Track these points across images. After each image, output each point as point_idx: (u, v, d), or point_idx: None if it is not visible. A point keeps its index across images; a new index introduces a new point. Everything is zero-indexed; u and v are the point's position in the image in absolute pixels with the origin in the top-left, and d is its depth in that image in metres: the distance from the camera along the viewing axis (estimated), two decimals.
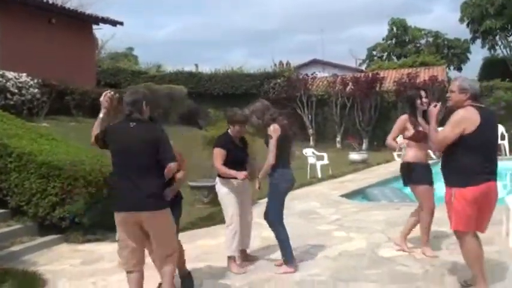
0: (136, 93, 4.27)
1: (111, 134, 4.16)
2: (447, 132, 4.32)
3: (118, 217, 4.15)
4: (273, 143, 5.17)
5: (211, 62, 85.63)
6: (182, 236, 5.04)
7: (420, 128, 5.51)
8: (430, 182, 5.64)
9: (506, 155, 15.96)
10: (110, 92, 4.43)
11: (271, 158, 5.18)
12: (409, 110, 5.73)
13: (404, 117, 5.73)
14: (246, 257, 5.80)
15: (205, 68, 29.44)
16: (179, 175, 4.59)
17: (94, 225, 6.97)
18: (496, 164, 4.42)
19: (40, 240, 6.80)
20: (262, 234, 6.53)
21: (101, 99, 4.40)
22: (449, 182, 4.41)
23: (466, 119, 4.26)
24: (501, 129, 15.42)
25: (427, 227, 5.73)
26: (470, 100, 4.36)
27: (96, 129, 4.27)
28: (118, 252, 4.32)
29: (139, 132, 4.08)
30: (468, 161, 4.27)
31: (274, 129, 5.21)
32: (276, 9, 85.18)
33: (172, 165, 4.07)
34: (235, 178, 5.34)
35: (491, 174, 4.34)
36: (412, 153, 5.65)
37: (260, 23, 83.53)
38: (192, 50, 71.85)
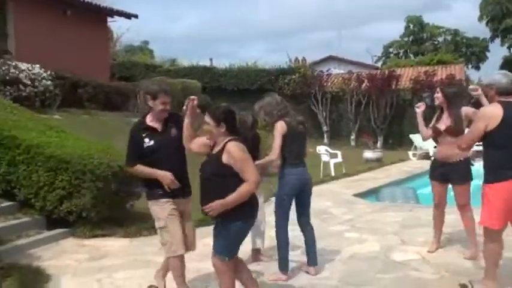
0: None
1: None
2: (471, 129, 4.35)
3: None
4: (275, 140, 4.97)
5: (227, 57, 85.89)
6: None
7: (436, 124, 5.66)
8: (437, 178, 5.68)
9: None
10: (192, 100, 4.14)
11: (272, 155, 4.98)
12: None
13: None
14: (258, 257, 5.68)
15: (220, 63, 29.30)
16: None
17: (102, 220, 6.87)
18: None
19: (47, 234, 6.70)
20: (270, 233, 6.38)
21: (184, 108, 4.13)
22: (483, 178, 4.33)
23: (487, 115, 4.19)
24: None
25: (435, 223, 5.85)
26: (497, 95, 4.25)
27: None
28: None
29: None
30: (494, 157, 4.20)
31: (278, 127, 4.98)
32: (294, 6, 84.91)
33: None
34: None
35: None
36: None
37: (278, 19, 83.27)
38: (208, 45, 71.96)
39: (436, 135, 5.61)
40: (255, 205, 3.88)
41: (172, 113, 4.41)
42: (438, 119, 5.67)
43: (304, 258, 5.30)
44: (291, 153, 5.04)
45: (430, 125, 5.74)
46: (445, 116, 5.57)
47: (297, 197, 5.17)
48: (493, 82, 4.29)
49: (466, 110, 5.49)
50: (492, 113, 4.15)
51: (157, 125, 4.32)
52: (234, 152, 3.67)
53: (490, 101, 4.34)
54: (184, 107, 4.08)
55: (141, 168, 4.32)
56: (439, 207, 5.76)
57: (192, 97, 4.15)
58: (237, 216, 3.74)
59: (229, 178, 3.68)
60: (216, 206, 3.63)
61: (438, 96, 5.60)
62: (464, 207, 5.52)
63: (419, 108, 5.83)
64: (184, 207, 4.44)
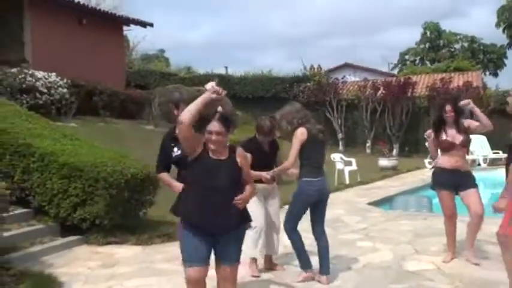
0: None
1: None
2: None
3: None
4: (292, 147, 4.97)
5: (243, 65, 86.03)
6: None
7: (444, 137, 5.61)
8: (447, 188, 5.63)
9: None
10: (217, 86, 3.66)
11: (287, 163, 5.02)
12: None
13: None
14: (270, 264, 5.64)
15: (235, 71, 29.40)
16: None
17: (115, 228, 6.90)
18: None
19: (61, 241, 6.74)
20: (285, 241, 6.34)
21: (209, 86, 3.58)
22: None
23: None
24: None
25: (447, 233, 5.82)
26: None
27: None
28: None
29: None
30: None
31: (298, 133, 4.99)
32: (309, 14, 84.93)
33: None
34: (260, 181, 5.07)
35: None
36: (440, 159, 5.78)
37: (294, 27, 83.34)
38: (223, 53, 72.16)
39: (450, 148, 5.58)
40: None
41: None
42: (441, 132, 5.64)
43: (317, 267, 5.25)
44: (310, 161, 5.03)
45: (432, 137, 5.72)
46: (452, 128, 5.58)
47: (313, 205, 5.15)
48: None
49: (470, 122, 5.61)
50: None
51: None
52: (243, 154, 3.81)
53: None
54: (210, 87, 3.57)
55: (163, 177, 4.45)
56: (452, 218, 5.73)
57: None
58: (247, 218, 3.86)
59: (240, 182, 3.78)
60: (244, 198, 3.69)
61: (452, 115, 5.55)
62: (482, 216, 5.46)
63: (431, 138, 5.81)
64: None
